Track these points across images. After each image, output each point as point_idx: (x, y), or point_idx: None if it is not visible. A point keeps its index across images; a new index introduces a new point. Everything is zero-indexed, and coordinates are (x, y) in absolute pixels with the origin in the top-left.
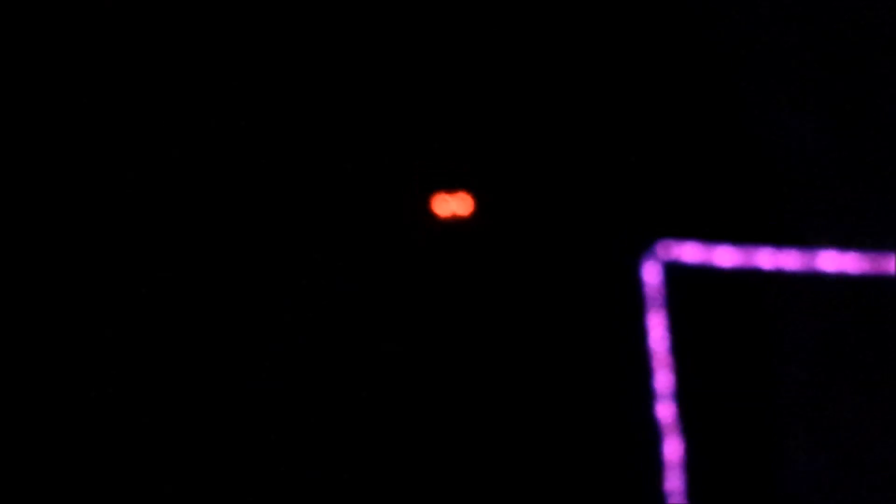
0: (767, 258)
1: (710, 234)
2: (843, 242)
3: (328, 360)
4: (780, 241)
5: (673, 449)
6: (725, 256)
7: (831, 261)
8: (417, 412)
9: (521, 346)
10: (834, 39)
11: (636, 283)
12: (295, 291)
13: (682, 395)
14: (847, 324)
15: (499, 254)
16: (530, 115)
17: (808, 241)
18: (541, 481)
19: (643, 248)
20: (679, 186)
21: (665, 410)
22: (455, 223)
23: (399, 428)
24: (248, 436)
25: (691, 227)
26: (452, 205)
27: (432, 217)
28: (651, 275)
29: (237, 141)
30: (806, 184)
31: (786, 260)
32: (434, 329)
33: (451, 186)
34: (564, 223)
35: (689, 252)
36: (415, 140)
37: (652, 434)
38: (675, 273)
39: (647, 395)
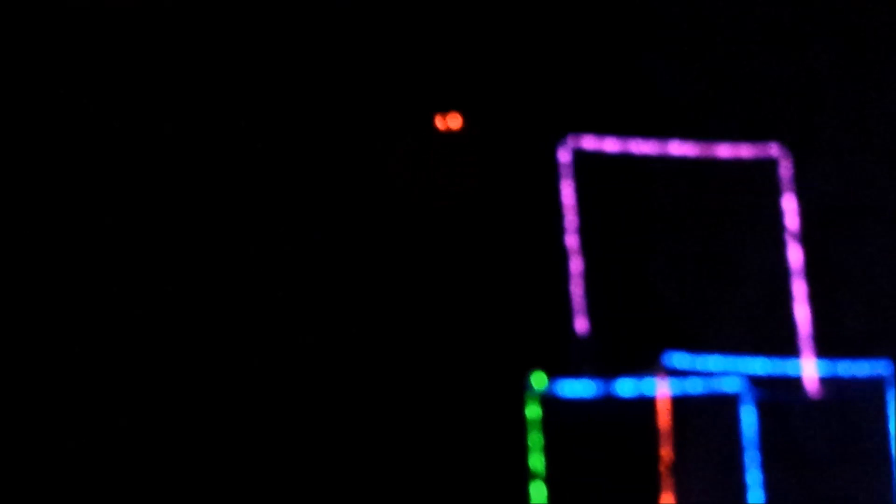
0: (638, 146)
1: (604, 130)
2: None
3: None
4: (647, 133)
5: (575, 266)
6: (614, 145)
7: (678, 148)
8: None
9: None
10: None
11: (554, 162)
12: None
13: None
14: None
15: (469, 151)
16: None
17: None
18: (469, 317)
19: (559, 137)
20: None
21: (571, 240)
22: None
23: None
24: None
25: (592, 123)
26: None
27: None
28: (564, 156)
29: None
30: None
31: (649, 147)
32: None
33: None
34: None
35: (588, 142)
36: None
37: (561, 257)
38: (580, 156)
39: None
